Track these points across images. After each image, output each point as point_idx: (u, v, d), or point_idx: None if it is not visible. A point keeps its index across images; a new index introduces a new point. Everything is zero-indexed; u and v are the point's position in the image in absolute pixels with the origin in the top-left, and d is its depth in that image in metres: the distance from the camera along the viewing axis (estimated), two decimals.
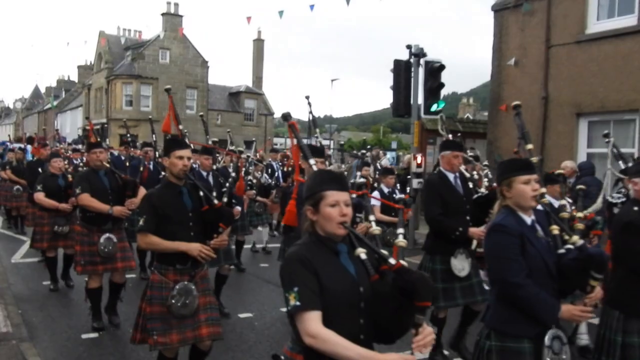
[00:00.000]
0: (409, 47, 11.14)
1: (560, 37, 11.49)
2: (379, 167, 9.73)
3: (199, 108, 38.93)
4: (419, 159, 11.39)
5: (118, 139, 31.40)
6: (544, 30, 11.71)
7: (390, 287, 2.34)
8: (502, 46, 12.76)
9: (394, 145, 42.85)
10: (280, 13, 15.21)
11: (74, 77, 58.48)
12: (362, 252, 2.42)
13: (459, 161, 5.19)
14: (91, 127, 9.09)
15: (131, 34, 43.04)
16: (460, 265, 4.98)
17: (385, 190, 7.59)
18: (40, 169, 9.08)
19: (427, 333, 2.26)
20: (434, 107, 11.03)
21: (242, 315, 6.74)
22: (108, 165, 6.19)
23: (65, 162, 8.81)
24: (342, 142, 50.13)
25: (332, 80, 43.40)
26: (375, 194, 7.36)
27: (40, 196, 7.18)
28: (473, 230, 4.93)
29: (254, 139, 40.29)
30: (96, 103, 41.33)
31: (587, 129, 11.15)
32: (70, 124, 50.03)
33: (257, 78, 44.10)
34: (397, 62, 11.08)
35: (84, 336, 5.84)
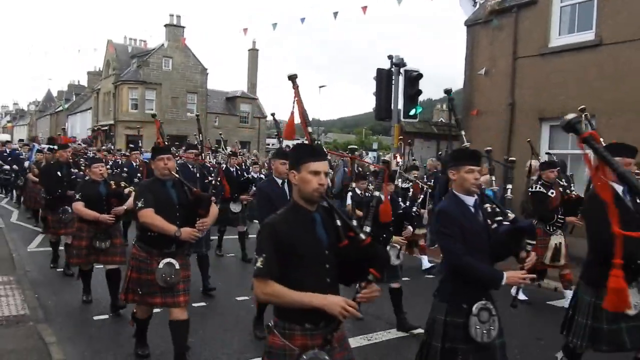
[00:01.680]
0: (390, 57, 11.18)
1: (525, 50, 11.59)
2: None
3: (198, 111, 38.84)
4: (399, 158, 11.47)
5: (124, 139, 31.21)
6: (511, 44, 11.80)
7: None
8: (473, 57, 12.84)
9: (375, 146, 43.02)
10: (274, 25, 15.18)
11: (84, 82, 57.95)
12: None
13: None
14: (157, 126, 6.57)
15: (137, 43, 42.69)
16: (635, 299, 3.51)
17: None
18: (59, 173, 7.77)
19: None
20: (412, 112, 11.11)
21: (239, 298, 6.73)
22: (177, 175, 4.49)
23: (108, 167, 7.35)
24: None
25: (320, 87, 43.37)
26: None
27: (79, 206, 5.84)
28: None
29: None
30: (104, 106, 41.00)
31: (549, 132, 11.28)
32: (80, 126, 49.56)
33: (252, 84, 43.98)
34: (379, 71, 11.11)
35: (95, 317, 5.83)
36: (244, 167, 11.58)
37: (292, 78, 4.25)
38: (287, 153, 5.03)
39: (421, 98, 11.46)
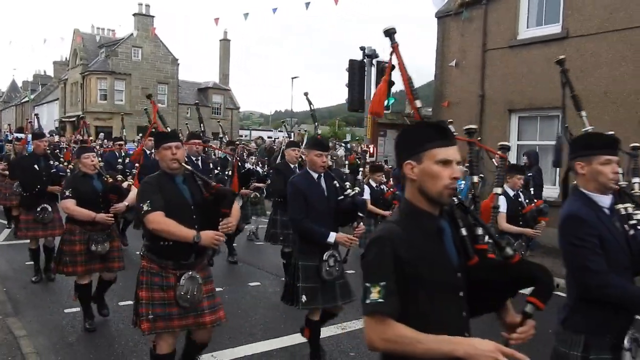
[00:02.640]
0: (362, 48, 11.24)
1: (495, 42, 11.78)
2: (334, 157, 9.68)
3: (169, 102, 38.40)
4: (372, 149, 11.58)
5: (94, 131, 30.65)
6: (481, 36, 11.98)
7: None
8: (444, 49, 12.99)
9: (348, 137, 43.11)
10: (245, 15, 15.07)
11: (50, 72, 56.53)
12: None
13: None
14: (155, 110, 5.66)
15: (105, 32, 41.87)
16: None
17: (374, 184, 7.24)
18: (36, 166, 6.77)
19: None
20: (385, 103, 11.21)
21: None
22: (188, 167, 3.62)
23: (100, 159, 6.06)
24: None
25: (293, 78, 43.21)
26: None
27: (69, 204, 4.92)
28: None
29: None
30: (72, 97, 40.15)
31: (518, 123, 11.52)
32: (47, 117, 48.41)
33: (224, 75, 43.61)
34: (351, 62, 11.18)
35: (66, 310, 5.75)
36: (244, 157, 10.92)
37: (390, 33, 2.65)
38: (323, 143, 4.57)
39: (394, 89, 11.56)
